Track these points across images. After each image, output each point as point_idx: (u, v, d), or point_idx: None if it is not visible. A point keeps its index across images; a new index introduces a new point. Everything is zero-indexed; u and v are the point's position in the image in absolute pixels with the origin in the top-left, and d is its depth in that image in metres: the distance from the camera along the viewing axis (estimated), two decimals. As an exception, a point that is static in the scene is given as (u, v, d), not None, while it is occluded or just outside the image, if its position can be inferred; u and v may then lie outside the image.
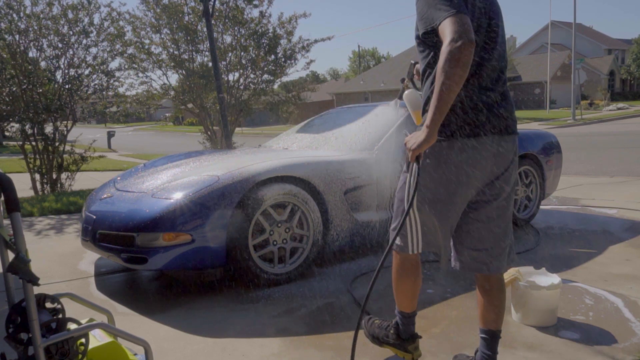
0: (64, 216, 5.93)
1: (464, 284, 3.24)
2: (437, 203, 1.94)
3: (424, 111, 1.94)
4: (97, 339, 1.83)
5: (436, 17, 1.73)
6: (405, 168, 2.02)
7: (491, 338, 2.05)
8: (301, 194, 3.40)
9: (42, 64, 7.90)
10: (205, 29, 8.80)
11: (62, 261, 4.08)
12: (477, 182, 1.92)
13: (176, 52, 10.09)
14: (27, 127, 7.53)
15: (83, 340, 1.70)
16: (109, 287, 3.50)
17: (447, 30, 1.68)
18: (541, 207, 5.39)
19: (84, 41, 7.86)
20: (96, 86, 8.22)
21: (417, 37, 1.92)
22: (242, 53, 10.30)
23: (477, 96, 1.87)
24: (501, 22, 1.97)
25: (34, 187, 7.81)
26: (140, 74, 10.13)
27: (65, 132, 7.91)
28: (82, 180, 8.55)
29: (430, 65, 1.91)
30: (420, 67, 2.02)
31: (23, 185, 7.80)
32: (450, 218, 1.97)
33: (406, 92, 2.26)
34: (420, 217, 1.98)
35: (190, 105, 10.76)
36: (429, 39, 1.87)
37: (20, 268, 1.52)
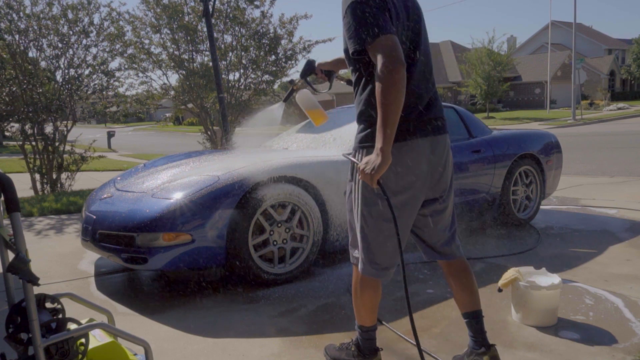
0: (64, 216, 5.93)
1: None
2: (398, 211, 1.93)
3: (359, 122, 1.96)
4: (97, 339, 1.84)
5: (364, 38, 1.74)
6: (350, 177, 2.04)
7: (473, 319, 2.09)
8: (301, 194, 3.40)
9: (42, 64, 7.90)
10: (205, 29, 8.79)
11: (62, 261, 4.08)
12: (423, 183, 1.95)
13: (176, 52, 10.08)
14: (27, 127, 7.53)
15: (83, 340, 1.70)
16: (109, 287, 3.50)
17: (377, 54, 1.71)
18: (541, 207, 5.39)
19: (84, 41, 7.87)
20: (96, 86, 8.22)
21: (345, 52, 1.92)
22: (242, 53, 10.29)
23: (409, 103, 1.87)
24: (423, 26, 1.97)
25: (34, 187, 7.80)
26: (140, 74, 10.12)
27: (65, 132, 7.91)
28: (82, 180, 8.54)
29: (358, 81, 1.94)
30: (352, 78, 2.02)
31: (23, 185, 7.80)
32: (406, 225, 1.98)
33: (299, 93, 2.25)
34: (371, 233, 1.97)
35: (190, 105, 10.75)
36: (357, 58, 1.87)
37: (20, 268, 1.52)
